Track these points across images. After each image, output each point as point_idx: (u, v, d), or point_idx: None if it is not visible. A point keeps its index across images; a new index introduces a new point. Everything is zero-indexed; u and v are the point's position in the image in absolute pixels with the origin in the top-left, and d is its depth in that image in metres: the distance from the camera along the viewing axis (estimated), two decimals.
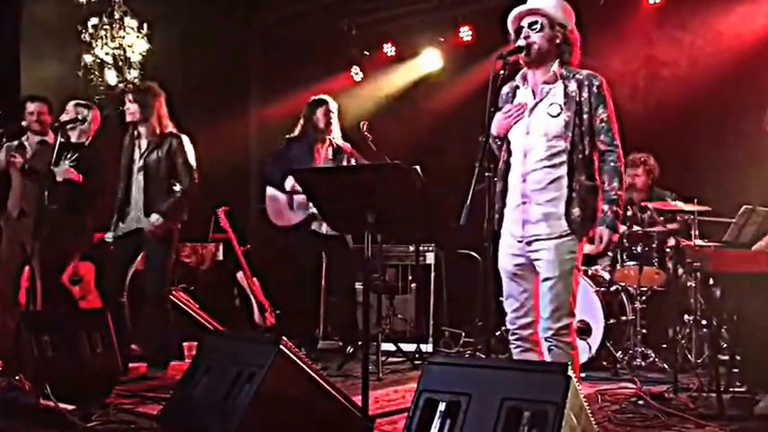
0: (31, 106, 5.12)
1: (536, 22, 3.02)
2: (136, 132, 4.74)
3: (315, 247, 5.49)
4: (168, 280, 4.76)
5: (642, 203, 5.26)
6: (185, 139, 4.76)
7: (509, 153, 3.14)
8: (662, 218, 5.16)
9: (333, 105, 5.45)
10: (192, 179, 4.69)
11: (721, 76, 5.84)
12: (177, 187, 4.66)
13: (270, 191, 5.51)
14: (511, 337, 3.14)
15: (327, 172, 4.09)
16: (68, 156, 4.89)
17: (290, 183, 5.31)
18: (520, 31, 3.05)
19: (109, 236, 4.76)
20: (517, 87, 3.16)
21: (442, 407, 2.27)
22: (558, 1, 3.07)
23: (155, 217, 4.59)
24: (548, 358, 3.00)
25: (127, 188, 4.70)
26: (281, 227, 5.49)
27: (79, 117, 4.86)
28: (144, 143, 4.71)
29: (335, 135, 5.44)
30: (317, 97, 5.51)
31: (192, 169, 4.71)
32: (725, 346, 4.54)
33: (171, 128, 4.77)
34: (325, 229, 5.31)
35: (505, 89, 3.20)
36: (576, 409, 2.11)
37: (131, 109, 4.67)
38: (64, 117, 4.99)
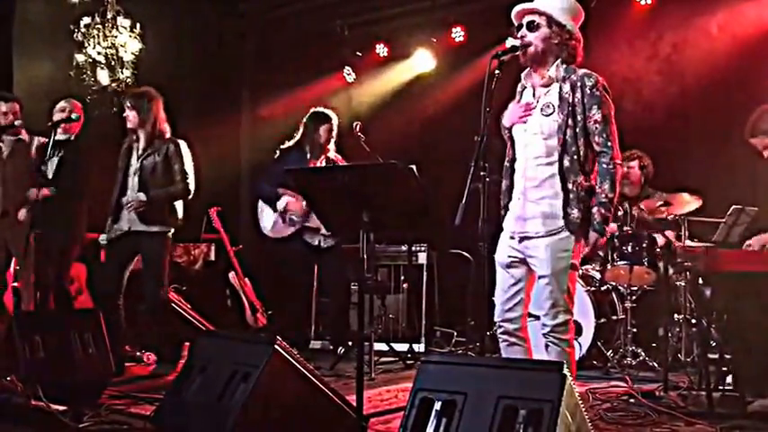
0: (4, 106, 5.11)
1: (534, 22, 3.05)
2: (135, 136, 4.77)
3: (307, 259, 5.50)
4: (164, 281, 4.78)
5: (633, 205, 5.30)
6: (183, 145, 4.79)
7: (513, 151, 3.18)
8: (651, 217, 5.20)
9: (335, 122, 5.40)
10: (186, 184, 4.72)
11: (712, 76, 5.89)
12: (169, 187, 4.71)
13: (262, 205, 5.51)
14: (498, 331, 3.16)
15: (323, 172, 4.09)
16: (57, 153, 4.91)
17: (282, 203, 5.31)
18: (520, 29, 3.08)
19: (103, 238, 4.78)
20: (525, 87, 3.20)
21: (437, 406, 2.28)
22: (562, 1, 3.08)
23: (140, 194, 4.63)
24: (544, 357, 3.01)
25: (122, 190, 4.71)
26: (273, 238, 5.49)
27: (73, 116, 4.85)
28: (141, 146, 4.73)
29: (331, 148, 5.42)
30: (321, 111, 5.44)
31: (187, 175, 4.74)
32: (714, 344, 4.57)
33: (168, 133, 4.80)
34: (317, 241, 5.33)
35: (519, 86, 3.24)
36: (571, 408, 2.12)
37: (130, 116, 4.71)
38: (57, 116, 5.00)
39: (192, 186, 4.76)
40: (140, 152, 4.72)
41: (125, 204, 4.64)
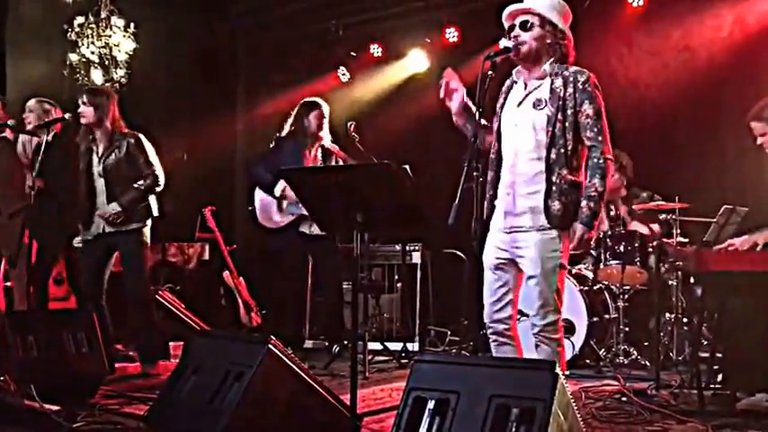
0: None
1: (527, 22, 3.07)
2: (91, 136, 4.69)
3: (302, 249, 5.50)
4: (146, 279, 4.77)
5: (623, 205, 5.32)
6: (142, 138, 4.72)
7: (500, 145, 3.18)
8: (641, 212, 5.23)
9: (326, 109, 5.44)
10: (154, 176, 4.65)
11: (702, 78, 5.92)
12: (138, 183, 4.65)
13: (259, 193, 5.51)
14: (488, 331, 3.17)
15: (317, 171, 4.10)
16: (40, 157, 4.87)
17: (279, 187, 5.32)
18: (512, 29, 3.10)
19: (77, 240, 4.75)
20: (514, 82, 3.21)
21: (431, 405, 2.29)
22: (553, 1, 3.11)
23: (112, 205, 4.58)
24: (535, 356, 3.03)
25: (90, 193, 4.67)
26: (268, 228, 5.50)
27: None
28: (101, 147, 4.68)
29: (325, 138, 5.44)
30: (310, 99, 5.49)
31: (153, 166, 4.67)
32: (705, 343, 4.60)
33: (124, 128, 4.73)
34: (312, 230, 5.34)
35: (507, 83, 3.25)
36: (563, 406, 2.13)
37: (86, 112, 4.61)
38: (29, 115, 4.98)
39: (161, 178, 4.69)
40: (101, 153, 4.67)
41: (101, 217, 4.59)
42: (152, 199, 4.74)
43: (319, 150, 5.44)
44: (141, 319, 4.71)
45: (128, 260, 4.68)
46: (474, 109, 3.09)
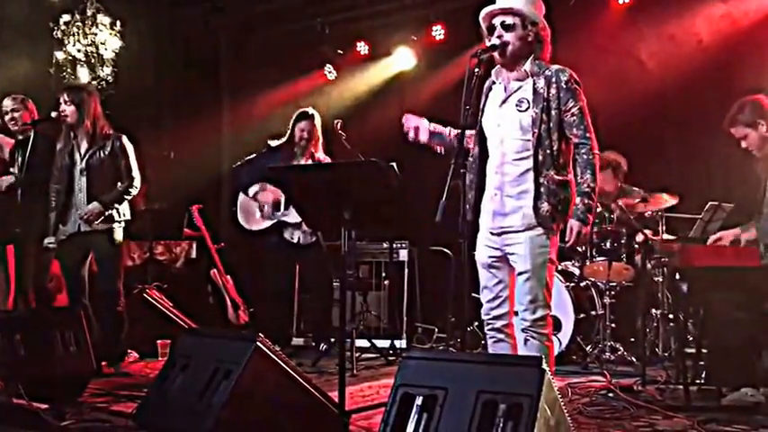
0: None
1: (508, 22, 3.07)
2: (72, 134, 4.68)
3: (287, 257, 5.52)
4: (119, 279, 4.75)
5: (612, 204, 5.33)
6: (125, 140, 4.74)
7: (480, 147, 3.19)
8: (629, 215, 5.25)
9: (317, 120, 5.45)
10: (132, 179, 4.69)
11: (688, 74, 5.95)
12: (119, 185, 4.68)
13: (241, 196, 5.55)
14: (486, 328, 3.20)
15: (305, 169, 4.12)
16: (21, 153, 4.84)
17: (254, 189, 5.36)
18: (492, 29, 3.10)
19: (51, 240, 4.69)
20: (493, 83, 3.22)
21: (418, 401, 2.30)
22: None
23: (94, 204, 4.59)
24: (524, 350, 3.05)
25: (68, 191, 4.65)
26: (249, 231, 5.52)
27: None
28: (84, 145, 4.67)
29: (318, 150, 5.45)
30: (300, 111, 5.51)
31: (132, 170, 4.71)
32: (691, 339, 4.64)
33: (108, 128, 4.74)
34: (297, 238, 5.36)
35: (487, 84, 3.26)
36: (550, 402, 2.15)
37: (67, 111, 4.61)
38: (15, 114, 4.97)
39: (138, 182, 4.73)
40: (84, 151, 4.66)
41: (81, 216, 4.58)
42: (125, 201, 4.76)
43: (310, 161, 5.43)
44: (109, 320, 4.70)
45: (101, 261, 4.70)
46: (441, 128, 3.26)
